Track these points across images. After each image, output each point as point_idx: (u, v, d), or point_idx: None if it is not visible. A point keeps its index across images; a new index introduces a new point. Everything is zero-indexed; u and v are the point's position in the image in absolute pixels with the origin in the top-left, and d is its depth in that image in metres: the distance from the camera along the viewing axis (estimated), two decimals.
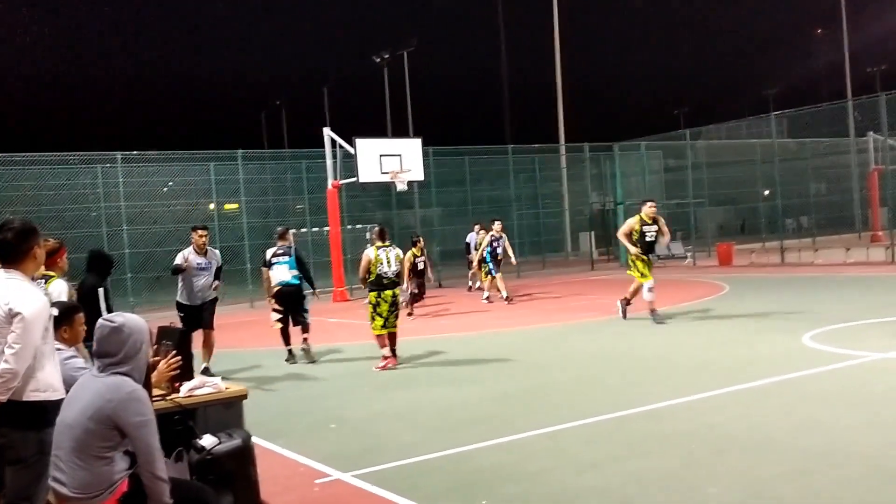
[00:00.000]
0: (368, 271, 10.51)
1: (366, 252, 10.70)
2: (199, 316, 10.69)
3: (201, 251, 10.86)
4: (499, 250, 17.79)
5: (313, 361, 11.28)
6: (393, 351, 10.61)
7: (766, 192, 31.12)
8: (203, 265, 10.82)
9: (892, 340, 9.72)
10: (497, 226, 18.08)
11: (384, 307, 10.47)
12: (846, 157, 35.37)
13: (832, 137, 34.08)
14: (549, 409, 7.59)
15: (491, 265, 17.86)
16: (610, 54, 65.79)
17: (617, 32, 67.08)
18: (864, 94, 33.55)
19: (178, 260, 10.80)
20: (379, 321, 10.47)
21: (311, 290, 11.99)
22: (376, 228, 11.09)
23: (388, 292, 10.48)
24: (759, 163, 30.98)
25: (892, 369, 8.37)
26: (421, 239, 17.37)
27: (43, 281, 6.69)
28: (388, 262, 10.48)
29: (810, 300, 15.18)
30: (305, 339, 11.46)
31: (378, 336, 10.53)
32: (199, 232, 10.92)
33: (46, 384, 3.83)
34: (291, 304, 11.44)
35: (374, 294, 10.50)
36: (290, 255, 11.41)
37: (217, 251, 11.43)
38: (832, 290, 16.77)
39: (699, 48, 69.66)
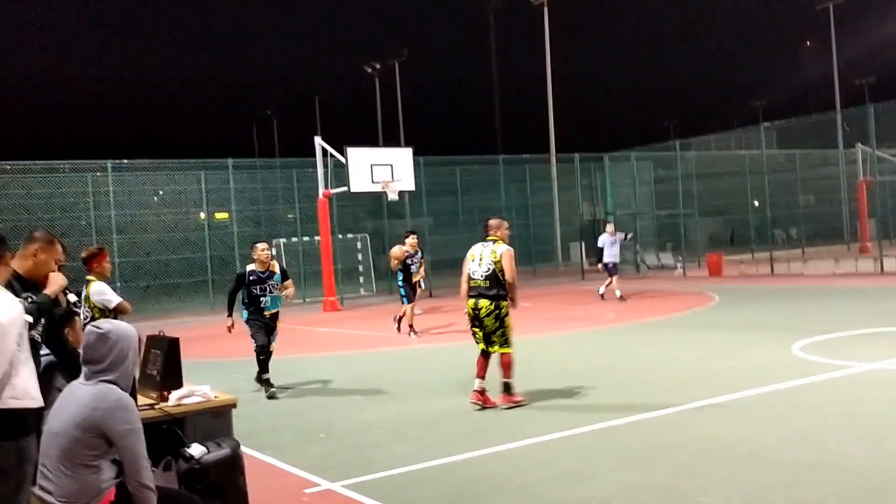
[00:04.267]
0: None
1: (508, 248, 8.52)
2: None
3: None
4: (413, 268, 15.13)
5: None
6: (506, 385, 8.23)
7: (756, 203, 31.24)
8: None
9: (881, 351, 9.75)
10: (412, 240, 15.44)
11: (468, 321, 8.42)
12: (835, 168, 35.54)
13: (821, 149, 34.27)
14: (539, 419, 7.57)
15: (403, 290, 14.96)
16: (601, 66, 66.08)
17: (608, 44, 67.44)
18: (853, 106, 33.75)
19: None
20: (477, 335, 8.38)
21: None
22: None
23: (471, 302, 8.27)
24: (748, 174, 31.10)
25: (882, 380, 8.39)
26: None
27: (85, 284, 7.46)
28: (480, 260, 8.29)
29: (800, 311, 15.22)
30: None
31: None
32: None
33: (24, 391, 3.78)
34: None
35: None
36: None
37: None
38: (821, 301, 16.82)
39: (689, 60, 70.05)
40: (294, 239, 25.57)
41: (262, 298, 9.92)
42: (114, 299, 7.48)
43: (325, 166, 21.88)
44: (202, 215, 24.76)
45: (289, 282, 10.22)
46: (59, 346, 4.90)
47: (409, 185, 21.57)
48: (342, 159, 20.72)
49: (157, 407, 4.69)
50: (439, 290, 24.86)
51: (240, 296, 10.15)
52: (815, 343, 10.76)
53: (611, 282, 19.25)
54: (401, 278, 14.91)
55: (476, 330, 8.28)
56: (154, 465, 4.26)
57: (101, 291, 7.46)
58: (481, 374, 8.23)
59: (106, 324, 3.94)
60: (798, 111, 32.27)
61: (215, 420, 4.78)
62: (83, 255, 7.70)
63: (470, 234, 30.31)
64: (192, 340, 15.60)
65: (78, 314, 5.49)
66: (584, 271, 29.31)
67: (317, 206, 22.45)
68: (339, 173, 21.27)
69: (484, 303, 8.11)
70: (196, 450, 4.42)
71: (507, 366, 8.19)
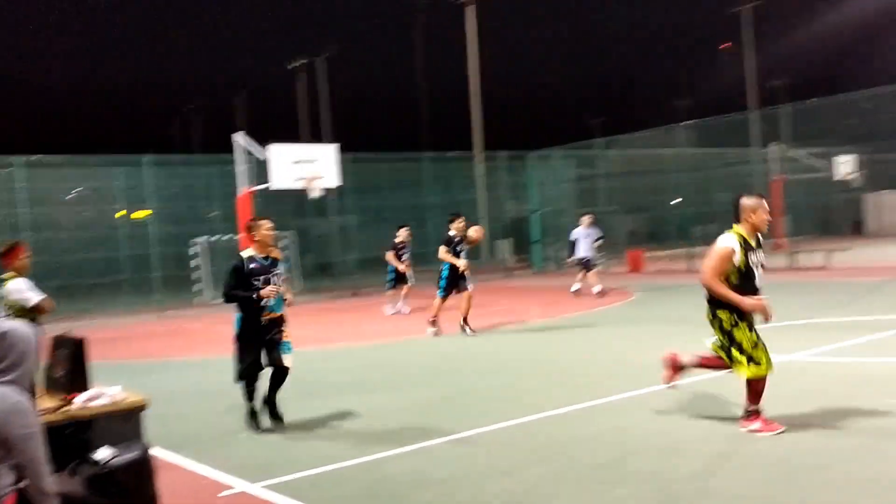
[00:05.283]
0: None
1: (728, 243, 6.36)
2: None
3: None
4: (462, 255, 13.23)
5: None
6: (747, 411, 6.45)
7: (675, 202, 31.97)
8: None
9: (794, 343, 10.04)
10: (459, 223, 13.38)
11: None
12: (751, 166, 36.63)
13: (738, 147, 35.26)
14: (461, 415, 7.56)
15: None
16: (526, 65, 66.64)
17: (532, 44, 68.07)
18: (768, 106, 34.81)
19: None
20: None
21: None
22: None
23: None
24: (668, 172, 31.81)
25: (795, 371, 8.63)
26: None
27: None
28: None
29: None
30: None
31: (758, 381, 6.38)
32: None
33: None
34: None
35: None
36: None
37: None
38: None
39: (614, 60, 71.24)
40: (215, 237, 25.06)
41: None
42: (33, 297, 7.09)
43: (247, 163, 21.49)
44: (121, 212, 24.07)
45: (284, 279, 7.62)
46: None
47: (333, 182, 21.34)
48: (263, 156, 20.37)
49: (61, 410, 4.51)
50: (369, 290, 24.70)
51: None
52: None
53: (584, 276, 18.41)
54: (447, 268, 13.17)
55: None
56: (59, 470, 4.09)
57: (18, 289, 7.08)
58: (698, 363, 6.82)
59: (4, 324, 3.77)
60: (718, 110, 33.10)
61: (124, 423, 4.63)
62: None
63: (396, 232, 30.38)
64: (108, 342, 15.17)
65: None
66: (511, 268, 29.55)
67: (236, 202, 22.04)
68: (262, 171, 20.92)
69: (707, 307, 6.60)
70: (103, 453, 4.27)
71: (750, 393, 6.37)
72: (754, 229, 6.41)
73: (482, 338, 13.16)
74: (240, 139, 21.44)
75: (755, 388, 6.34)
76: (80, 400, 4.61)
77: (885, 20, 48.74)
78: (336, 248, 29.62)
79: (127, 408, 4.67)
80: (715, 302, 6.39)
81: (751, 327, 6.33)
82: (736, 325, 6.28)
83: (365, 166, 27.38)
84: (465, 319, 13.24)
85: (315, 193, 20.93)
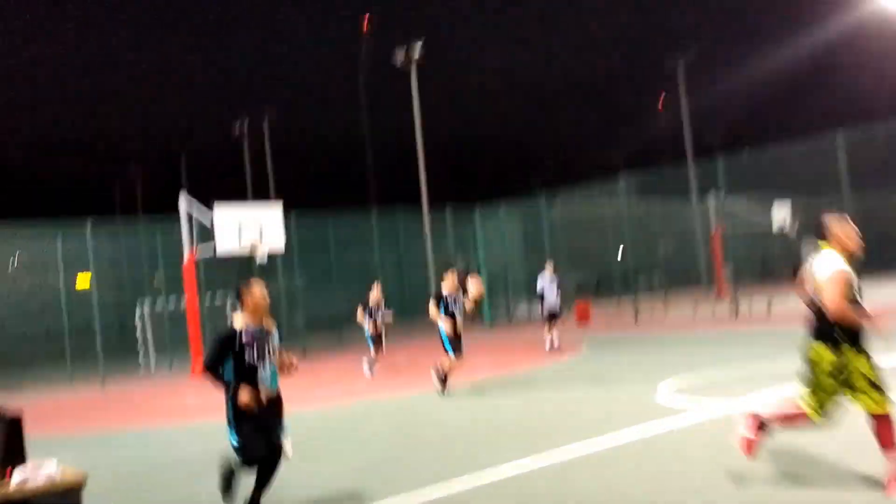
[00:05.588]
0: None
1: (837, 265, 5.67)
2: None
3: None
4: (457, 313, 13.10)
5: None
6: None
7: (619, 254, 32.44)
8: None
9: (739, 391, 10.19)
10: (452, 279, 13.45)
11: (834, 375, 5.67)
12: (691, 217, 37.42)
13: (678, 197, 36.08)
14: (406, 477, 7.47)
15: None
16: (469, 122, 67.75)
17: (476, 99, 69.29)
18: (704, 157, 35.79)
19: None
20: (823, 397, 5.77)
21: None
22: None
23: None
24: (610, 224, 32.33)
25: (740, 420, 8.73)
26: None
27: None
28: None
29: (662, 355, 15.79)
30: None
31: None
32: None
33: None
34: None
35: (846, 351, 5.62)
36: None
37: None
38: (682, 345, 17.51)
39: (554, 116, 72.75)
40: (159, 303, 24.67)
41: (259, 370, 6.31)
42: None
43: (190, 222, 21.27)
44: (60, 281, 23.54)
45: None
46: None
47: (279, 244, 21.22)
48: (208, 219, 20.21)
49: None
50: (314, 352, 24.46)
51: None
52: (677, 386, 11.14)
53: (552, 327, 18.05)
54: (443, 328, 12.94)
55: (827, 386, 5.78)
56: None
57: None
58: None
59: None
60: (656, 162, 33.98)
61: (63, 500, 4.49)
62: None
63: (345, 292, 30.27)
64: (48, 415, 14.74)
65: None
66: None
67: (182, 267, 21.79)
68: (207, 232, 20.74)
69: (812, 340, 5.78)
70: None
71: (782, 412, 6.07)
72: (845, 251, 5.75)
73: (427, 397, 13.02)
74: (183, 200, 21.29)
75: (790, 416, 5.97)
76: (16, 478, 4.46)
77: (806, 76, 51.13)
78: (284, 310, 29.32)
79: (66, 486, 4.53)
80: (830, 338, 5.61)
81: (866, 358, 5.62)
82: (819, 367, 5.67)
83: (311, 224, 27.29)
84: (445, 378, 12.93)
85: (261, 259, 20.81)
